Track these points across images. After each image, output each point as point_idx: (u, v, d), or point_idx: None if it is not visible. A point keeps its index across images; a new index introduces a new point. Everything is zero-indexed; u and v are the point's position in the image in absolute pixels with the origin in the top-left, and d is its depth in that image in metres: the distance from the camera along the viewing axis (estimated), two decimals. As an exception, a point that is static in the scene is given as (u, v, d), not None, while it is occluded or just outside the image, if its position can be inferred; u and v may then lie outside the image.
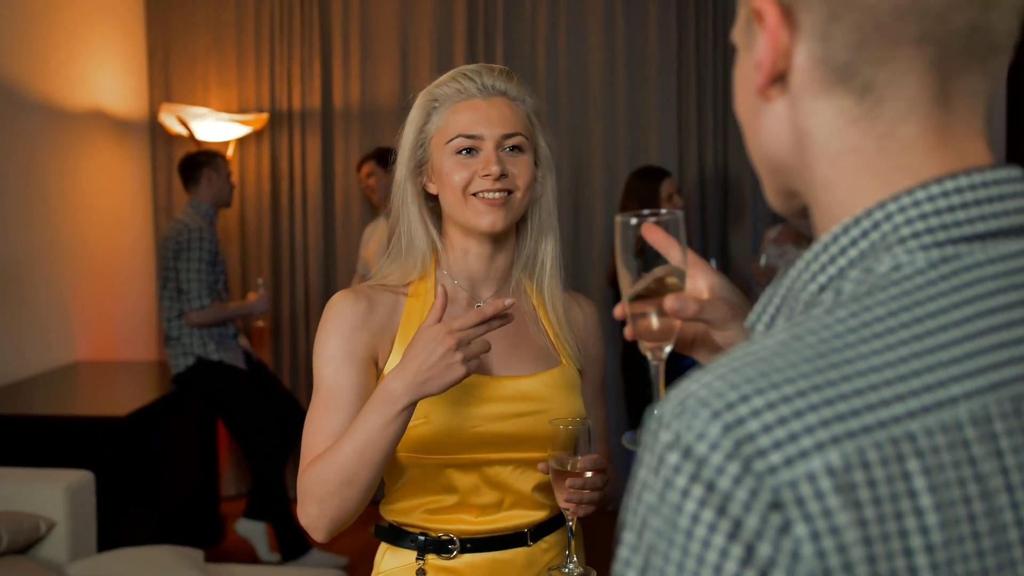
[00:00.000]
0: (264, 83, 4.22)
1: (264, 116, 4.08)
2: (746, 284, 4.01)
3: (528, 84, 1.28)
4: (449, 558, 1.20)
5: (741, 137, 3.66)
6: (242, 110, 4.21)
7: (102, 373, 3.68)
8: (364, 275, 3.79)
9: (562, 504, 1.16)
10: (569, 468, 1.13)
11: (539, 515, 1.23)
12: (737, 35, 0.59)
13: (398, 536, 1.23)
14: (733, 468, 0.43)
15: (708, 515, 0.43)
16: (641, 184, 3.25)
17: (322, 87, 4.21)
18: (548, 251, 1.28)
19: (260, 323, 3.74)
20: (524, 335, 1.27)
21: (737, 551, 0.42)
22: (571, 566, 1.20)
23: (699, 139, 4.05)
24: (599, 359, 1.34)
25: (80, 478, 2.67)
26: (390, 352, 1.22)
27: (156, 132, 4.29)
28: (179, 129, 3.97)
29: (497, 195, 1.19)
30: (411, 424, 1.14)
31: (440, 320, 1.08)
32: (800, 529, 0.42)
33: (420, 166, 1.26)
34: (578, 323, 1.31)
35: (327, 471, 1.11)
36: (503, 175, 1.19)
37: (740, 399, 0.44)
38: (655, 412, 0.47)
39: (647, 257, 0.78)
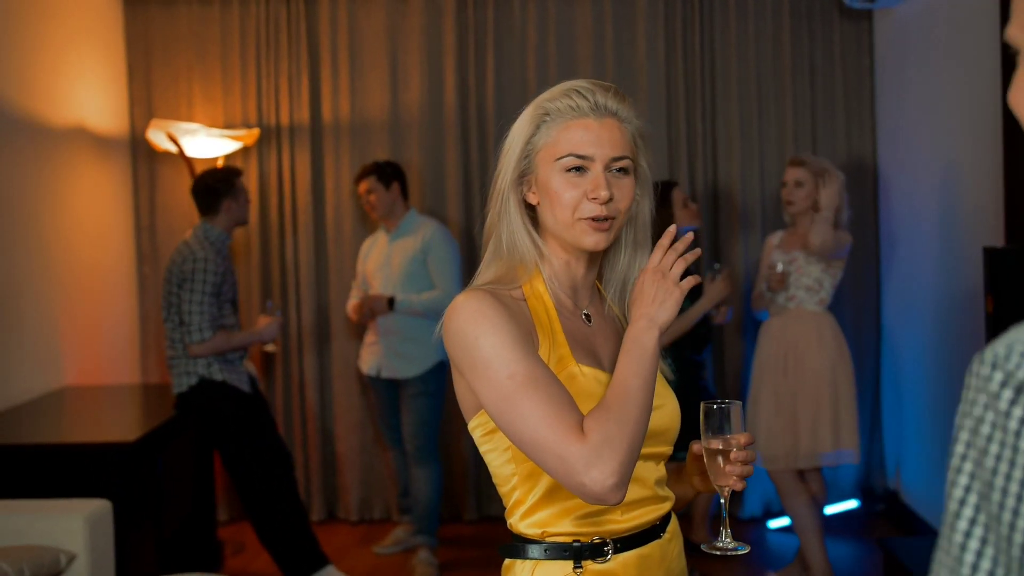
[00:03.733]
0: (251, 98, 4.15)
1: (256, 131, 4.00)
2: (743, 294, 4.10)
3: (634, 103, 1.29)
4: (604, 561, 1.21)
5: (730, 148, 3.83)
6: (228, 125, 4.13)
7: (93, 398, 3.55)
8: (365, 291, 3.74)
9: (720, 481, 1.24)
10: (733, 444, 1.22)
11: (665, 507, 1.28)
12: (1021, 35, 0.62)
13: (544, 548, 1.21)
14: None
15: None
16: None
17: (310, 102, 4.16)
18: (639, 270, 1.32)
19: (270, 347, 3.56)
20: (618, 340, 1.32)
21: None
22: (727, 540, 1.26)
23: (689, 150, 4.13)
24: None
25: (98, 508, 2.58)
26: (538, 347, 1.21)
27: (138, 149, 4.18)
28: (167, 146, 3.87)
29: (603, 220, 1.23)
30: None
31: (662, 258, 1.22)
32: None
33: (522, 176, 1.27)
34: None
35: (625, 409, 1.12)
36: (610, 199, 1.22)
37: None
38: (982, 358, 0.59)
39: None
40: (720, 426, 1.23)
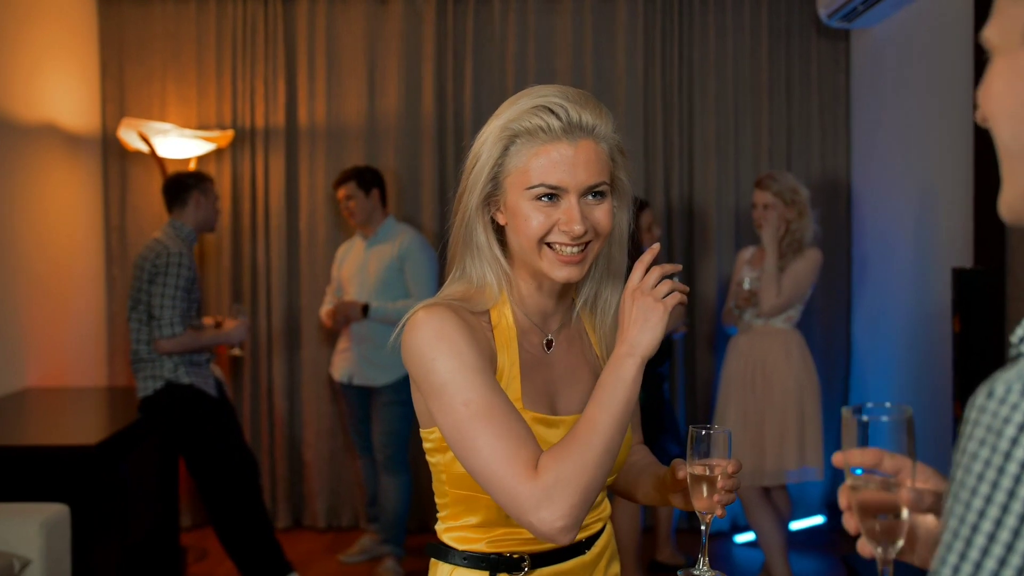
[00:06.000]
0: (225, 99, 4.11)
1: (230, 133, 3.96)
2: (715, 309, 4.11)
3: (610, 113, 1.20)
4: (521, 575, 1.21)
5: (707, 163, 3.85)
6: (202, 127, 4.08)
7: (56, 400, 3.49)
8: (340, 297, 3.71)
9: (704, 507, 1.21)
10: (719, 472, 1.20)
11: (592, 530, 1.27)
12: (998, 36, 0.65)
13: (464, 556, 1.23)
14: None
15: None
16: None
17: (286, 105, 4.13)
18: (614, 295, 1.27)
19: (237, 351, 3.51)
20: (581, 368, 1.28)
21: None
22: (703, 568, 1.23)
23: (665, 165, 4.14)
24: None
25: (55, 512, 2.53)
26: (495, 372, 1.16)
27: (109, 148, 4.12)
28: (139, 145, 3.82)
29: (575, 251, 1.16)
30: None
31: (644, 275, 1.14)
32: None
33: (489, 197, 1.20)
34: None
35: (587, 448, 1.07)
36: (584, 233, 1.15)
37: None
38: (991, 392, 0.58)
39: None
40: (707, 452, 1.21)
